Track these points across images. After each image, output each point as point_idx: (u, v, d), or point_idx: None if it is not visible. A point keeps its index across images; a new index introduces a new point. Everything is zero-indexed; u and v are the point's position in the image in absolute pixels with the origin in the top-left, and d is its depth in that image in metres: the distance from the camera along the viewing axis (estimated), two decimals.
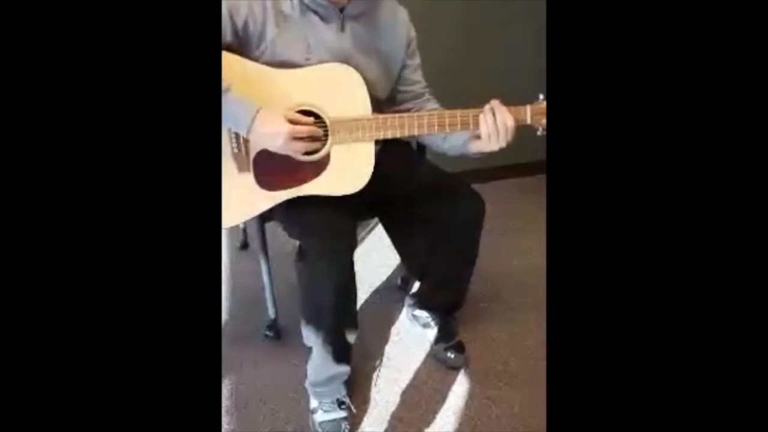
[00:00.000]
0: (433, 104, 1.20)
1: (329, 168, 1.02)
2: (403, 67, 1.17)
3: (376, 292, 1.64)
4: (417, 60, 1.20)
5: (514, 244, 1.85)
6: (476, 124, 0.99)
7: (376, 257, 1.74)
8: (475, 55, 2.14)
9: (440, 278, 1.30)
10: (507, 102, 1.01)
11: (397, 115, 1.02)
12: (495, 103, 0.99)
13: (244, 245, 1.83)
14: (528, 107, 1.00)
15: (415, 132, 1.01)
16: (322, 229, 1.02)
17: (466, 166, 1.48)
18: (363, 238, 1.86)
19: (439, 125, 1.00)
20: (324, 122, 0.99)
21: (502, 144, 1.00)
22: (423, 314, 1.42)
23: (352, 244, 1.06)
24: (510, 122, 0.98)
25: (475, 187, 1.20)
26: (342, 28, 1.05)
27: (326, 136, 1.00)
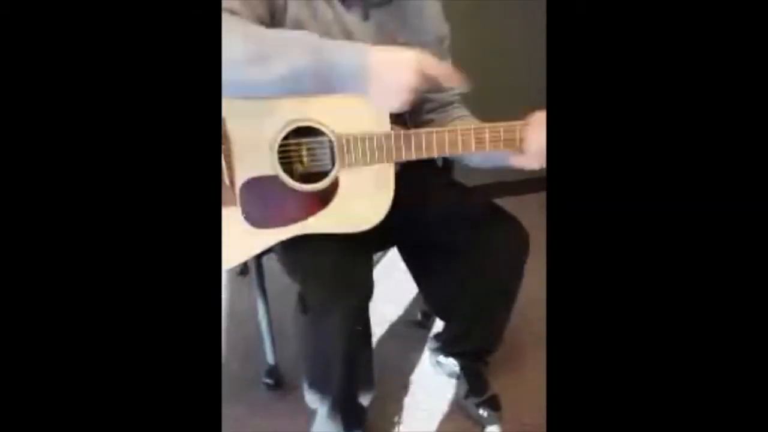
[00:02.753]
0: (462, 112, 0.98)
1: (337, 199, 0.80)
2: None
3: (391, 330, 1.43)
4: (449, 61, 0.98)
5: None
6: (522, 140, 0.79)
7: (391, 286, 1.51)
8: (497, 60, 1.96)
9: (471, 320, 1.08)
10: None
11: (424, 130, 0.80)
12: (541, 115, 0.79)
13: (243, 270, 1.63)
14: None
15: (447, 152, 0.80)
16: (329, 274, 0.81)
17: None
18: (376, 261, 1.64)
19: (477, 142, 0.79)
20: (328, 141, 0.79)
21: (544, 164, 0.81)
22: (449, 361, 1.20)
23: (367, 291, 0.85)
24: None
25: None
26: (366, 16, 0.86)
27: (332, 158, 0.79)
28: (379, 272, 1.58)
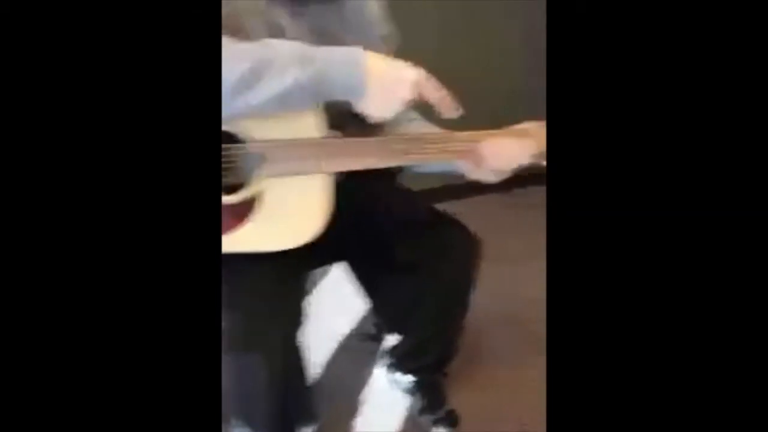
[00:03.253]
0: (417, 121, 0.90)
1: (260, 212, 0.71)
2: None
3: (343, 345, 1.34)
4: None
5: (509, 273, 1.57)
6: (479, 154, 0.74)
7: (341, 297, 1.41)
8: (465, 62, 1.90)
9: (428, 332, 1.01)
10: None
11: (362, 139, 0.71)
12: (502, 133, 0.74)
13: None
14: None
15: (391, 163, 0.72)
16: (249, 305, 0.71)
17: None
18: (324, 272, 1.54)
19: (424, 152, 0.71)
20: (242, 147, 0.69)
21: (501, 176, 0.76)
22: (405, 377, 1.12)
23: (295, 320, 0.76)
24: (522, 148, 0.73)
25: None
26: (298, 10, 0.76)
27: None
28: (328, 283, 1.49)
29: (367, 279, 0.98)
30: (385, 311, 1.04)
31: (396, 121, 0.87)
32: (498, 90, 2.00)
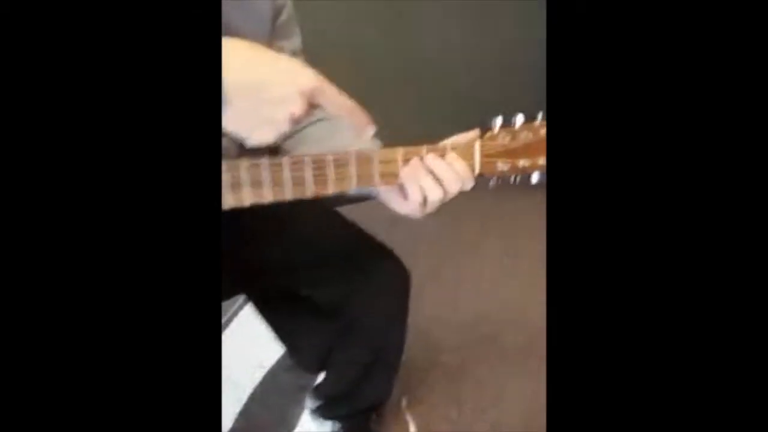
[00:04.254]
0: (323, 130, 0.73)
1: None
2: None
3: (269, 379, 1.18)
4: (296, 41, 0.73)
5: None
6: (408, 179, 0.56)
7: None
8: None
9: (354, 378, 0.87)
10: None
11: (251, 162, 0.52)
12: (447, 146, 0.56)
13: None
14: (477, 143, 0.56)
15: (292, 195, 0.53)
16: None
17: None
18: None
19: (340, 179, 0.53)
20: None
21: (427, 210, 0.59)
22: (330, 425, 0.98)
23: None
24: (462, 171, 0.56)
25: None
26: None
27: None
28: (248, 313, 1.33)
29: (275, 319, 0.82)
30: (301, 359, 0.89)
31: (304, 138, 0.70)
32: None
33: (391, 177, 0.55)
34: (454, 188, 0.56)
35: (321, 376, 0.98)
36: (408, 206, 0.58)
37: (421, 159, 0.55)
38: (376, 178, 0.55)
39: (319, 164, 0.52)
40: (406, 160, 0.55)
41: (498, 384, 1.17)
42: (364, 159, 0.54)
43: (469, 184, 0.56)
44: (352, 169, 0.54)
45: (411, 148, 0.55)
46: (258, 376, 1.18)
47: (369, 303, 0.72)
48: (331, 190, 0.54)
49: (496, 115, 0.56)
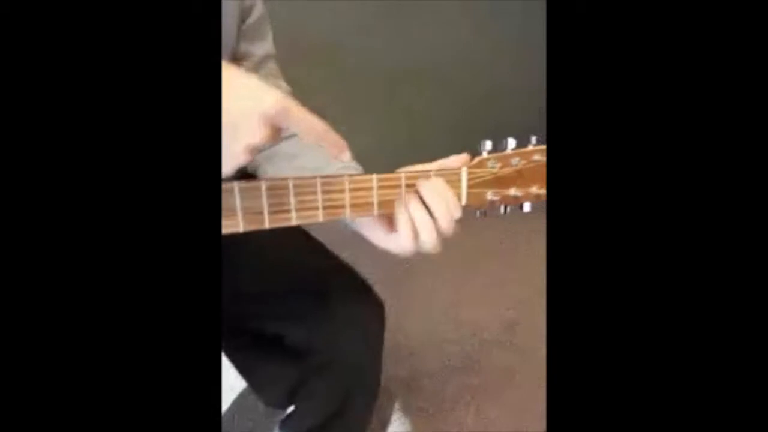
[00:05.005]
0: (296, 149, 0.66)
1: None
2: (231, 60, 0.62)
3: (239, 403, 1.11)
4: (267, 45, 0.66)
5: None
6: (391, 215, 0.50)
7: None
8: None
9: (323, 410, 0.79)
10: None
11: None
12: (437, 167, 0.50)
13: None
14: (464, 170, 0.50)
15: (252, 227, 0.46)
16: None
17: None
18: None
19: (307, 209, 0.46)
20: None
21: (423, 246, 0.50)
22: None
23: None
24: (451, 201, 0.49)
25: None
26: None
27: None
28: None
29: (237, 357, 0.75)
30: (261, 393, 0.82)
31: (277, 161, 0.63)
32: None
33: (367, 205, 0.49)
34: (446, 221, 0.48)
35: (291, 408, 0.92)
36: (394, 241, 0.51)
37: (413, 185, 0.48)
38: (375, 208, 0.48)
39: (303, 189, 0.46)
40: (410, 185, 0.48)
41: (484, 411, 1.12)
42: (360, 183, 0.47)
43: (456, 215, 0.50)
44: (346, 196, 0.47)
45: (397, 174, 0.49)
46: (229, 398, 1.12)
47: (341, 342, 0.65)
48: (321, 218, 0.47)
49: (486, 138, 0.50)
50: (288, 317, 0.65)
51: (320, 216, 0.46)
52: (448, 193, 0.48)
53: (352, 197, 0.47)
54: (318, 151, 0.60)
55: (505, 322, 1.46)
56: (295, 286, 0.66)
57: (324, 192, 0.46)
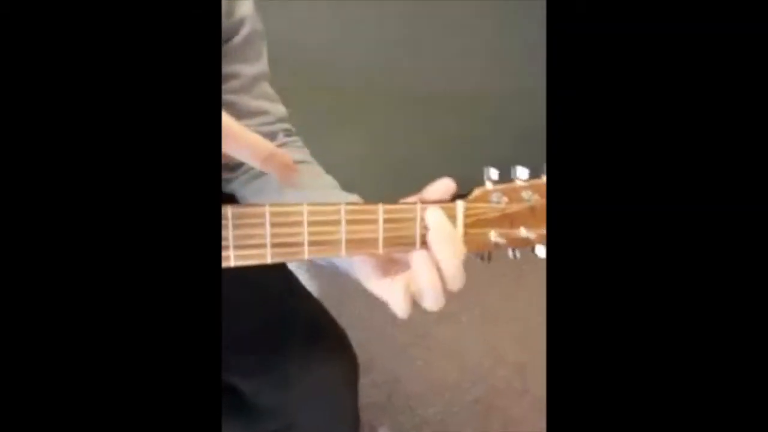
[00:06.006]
0: (297, 155, 0.58)
1: None
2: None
3: None
4: (259, 65, 0.58)
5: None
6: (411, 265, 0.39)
7: None
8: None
9: None
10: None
11: None
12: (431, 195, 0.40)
13: None
14: (460, 204, 0.39)
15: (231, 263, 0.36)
16: None
17: None
18: None
19: (291, 246, 0.36)
20: None
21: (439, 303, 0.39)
22: None
23: None
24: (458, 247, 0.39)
25: None
26: None
27: None
28: None
29: None
30: None
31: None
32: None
33: (362, 243, 0.37)
34: (452, 268, 0.38)
35: None
36: (392, 291, 0.39)
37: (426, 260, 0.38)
38: (381, 245, 0.38)
39: (283, 219, 0.36)
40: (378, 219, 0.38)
41: None
42: (360, 215, 0.37)
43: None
44: (341, 230, 0.37)
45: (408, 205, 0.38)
46: None
47: (308, 402, 0.54)
48: (306, 255, 0.36)
49: (489, 165, 0.40)
50: (249, 370, 0.55)
51: (305, 253, 0.36)
52: (454, 233, 0.38)
53: (349, 231, 0.37)
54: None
55: (512, 366, 1.33)
56: (258, 330, 0.56)
57: (312, 224, 0.36)
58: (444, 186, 0.39)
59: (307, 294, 0.64)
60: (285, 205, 0.36)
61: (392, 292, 0.39)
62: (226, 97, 0.55)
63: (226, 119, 0.31)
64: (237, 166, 0.58)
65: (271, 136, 0.58)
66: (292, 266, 0.73)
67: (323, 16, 1.55)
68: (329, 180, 0.55)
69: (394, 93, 1.70)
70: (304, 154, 0.60)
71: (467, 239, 0.39)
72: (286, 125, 0.60)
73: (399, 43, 1.69)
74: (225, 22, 0.53)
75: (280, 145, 0.58)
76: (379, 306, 0.41)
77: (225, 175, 0.58)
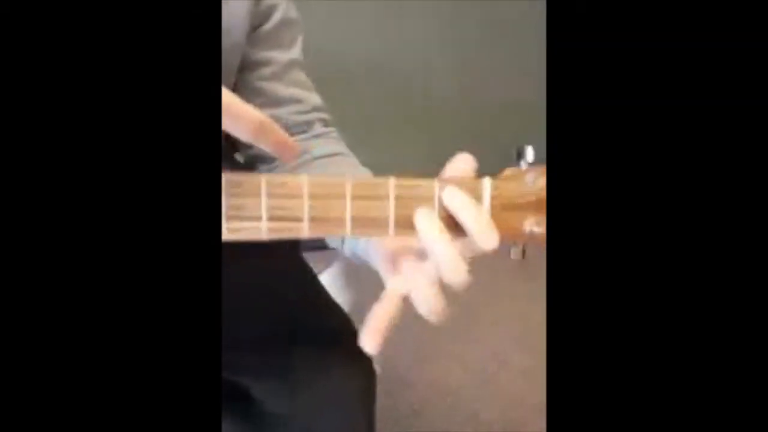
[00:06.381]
0: (334, 146, 0.56)
1: None
2: (246, 67, 0.54)
3: None
4: (293, 51, 0.57)
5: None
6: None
7: None
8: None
9: None
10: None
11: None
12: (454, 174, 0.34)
13: None
14: (487, 181, 0.34)
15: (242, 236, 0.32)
16: None
17: None
18: None
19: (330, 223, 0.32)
20: None
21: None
22: None
23: None
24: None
25: None
26: None
27: None
28: None
29: None
30: None
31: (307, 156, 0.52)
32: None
33: (377, 225, 0.32)
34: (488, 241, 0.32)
35: None
36: (408, 280, 0.33)
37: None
38: (391, 226, 0.33)
39: (284, 190, 0.32)
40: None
41: None
42: (374, 189, 0.32)
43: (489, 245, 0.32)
44: (346, 205, 0.32)
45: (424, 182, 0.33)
46: None
47: (322, 411, 0.50)
48: (306, 233, 0.32)
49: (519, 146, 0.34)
50: (259, 373, 0.51)
51: (305, 230, 0.32)
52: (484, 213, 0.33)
53: (355, 208, 0.32)
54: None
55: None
56: (274, 333, 0.52)
57: (313, 197, 0.32)
58: (463, 162, 0.34)
59: (330, 302, 0.60)
60: (284, 176, 0.32)
61: (403, 276, 0.33)
62: (256, 84, 0.54)
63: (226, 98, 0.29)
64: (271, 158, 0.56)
65: (306, 126, 0.56)
66: (323, 279, 0.70)
67: (322, 15, 1.59)
68: (366, 173, 0.52)
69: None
70: (341, 146, 0.57)
71: (495, 223, 0.34)
72: (323, 114, 0.58)
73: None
74: (255, 9, 0.52)
75: (316, 136, 0.56)
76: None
77: (262, 166, 0.56)
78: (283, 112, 0.55)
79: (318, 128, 0.57)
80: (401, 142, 1.75)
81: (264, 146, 0.31)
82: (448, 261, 0.31)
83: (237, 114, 0.29)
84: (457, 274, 0.31)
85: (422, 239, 0.32)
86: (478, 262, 0.34)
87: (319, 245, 0.46)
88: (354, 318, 0.59)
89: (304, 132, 0.56)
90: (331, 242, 0.47)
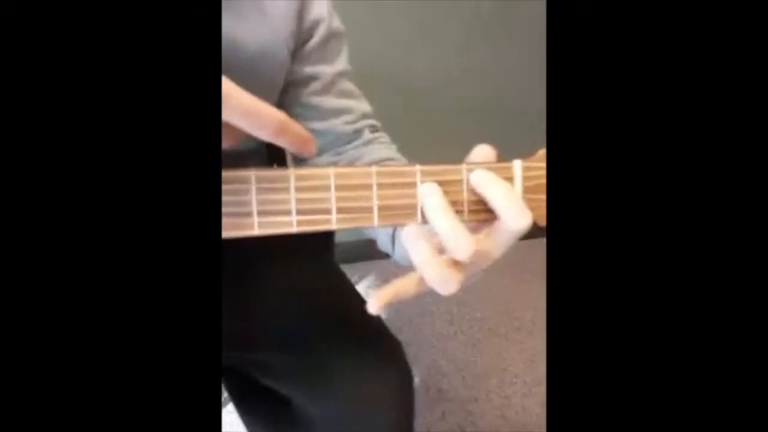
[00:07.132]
0: (386, 151, 0.55)
1: None
2: (295, 83, 0.54)
3: None
4: (340, 63, 0.57)
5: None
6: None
7: None
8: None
9: None
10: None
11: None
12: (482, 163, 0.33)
13: None
14: (518, 164, 0.33)
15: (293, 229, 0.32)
16: None
17: None
18: None
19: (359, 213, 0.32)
20: None
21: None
22: None
23: None
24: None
25: None
26: None
27: None
28: None
29: (242, 405, 0.61)
30: None
31: (350, 155, 0.52)
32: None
33: (407, 212, 0.32)
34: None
35: None
36: (436, 274, 0.32)
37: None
38: (419, 214, 0.32)
39: (311, 183, 0.32)
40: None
41: None
42: (400, 177, 0.32)
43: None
44: (372, 195, 0.32)
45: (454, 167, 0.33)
46: None
47: (358, 414, 0.49)
48: (334, 225, 0.32)
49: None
50: (294, 375, 0.51)
51: (333, 222, 0.32)
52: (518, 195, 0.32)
53: (381, 197, 0.32)
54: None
55: None
56: (304, 332, 0.52)
57: (340, 188, 0.32)
58: (484, 153, 0.33)
59: (364, 306, 0.59)
60: (311, 169, 0.32)
61: (434, 271, 0.32)
62: (305, 99, 0.55)
63: (228, 84, 0.28)
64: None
65: (356, 135, 0.56)
66: (361, 288, 0.69)
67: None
68: None
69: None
70: (391, 150, 0.56)
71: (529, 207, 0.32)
72: (372, 121, 0.58)
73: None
74: (298, 28, 0.53)
75: (366, 143, 0.56)
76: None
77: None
78: (333, 123, 0.55)
79: (367, 134, 0.57)
80: (417, 145, 1.75)
81: (284, 144, 0.30)
82: (448, 228, 0.30)
83: (257, 115, 0.29)
84: (458, 242, 0.30)
85: (425, 211, 0.31)
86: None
87: (359, 256, 0.46)
88: (390, 325, 0.58)
89: (354, 141, 0.56)
90: (382, 246, 0.46)
